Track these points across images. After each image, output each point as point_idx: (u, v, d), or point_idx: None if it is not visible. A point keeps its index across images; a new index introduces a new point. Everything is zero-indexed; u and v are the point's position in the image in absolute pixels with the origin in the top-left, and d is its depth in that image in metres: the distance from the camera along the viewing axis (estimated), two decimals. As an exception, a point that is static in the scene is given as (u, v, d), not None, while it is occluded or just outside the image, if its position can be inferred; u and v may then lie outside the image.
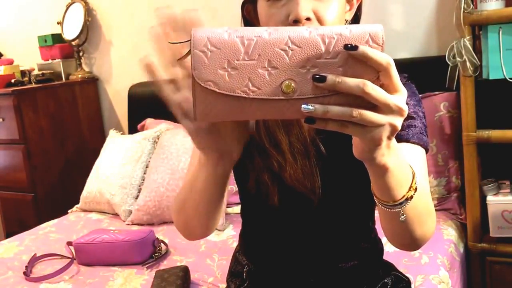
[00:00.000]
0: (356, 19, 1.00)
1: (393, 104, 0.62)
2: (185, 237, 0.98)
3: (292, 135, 0.96)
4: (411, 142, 0.92)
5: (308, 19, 0.85)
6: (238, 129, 0.77)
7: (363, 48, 0.60)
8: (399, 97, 0.63)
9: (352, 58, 0.61)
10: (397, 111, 0.63)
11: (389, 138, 0.65)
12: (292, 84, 0.61)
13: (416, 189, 0.74)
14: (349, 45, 0.60)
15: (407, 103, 0.93)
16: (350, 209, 1.00)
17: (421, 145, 0.93)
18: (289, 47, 0.61)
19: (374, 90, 0.61)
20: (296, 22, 0.85)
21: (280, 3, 0.87)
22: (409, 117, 0.94)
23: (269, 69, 0.61)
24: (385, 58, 0.62)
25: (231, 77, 0.61)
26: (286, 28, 0.62)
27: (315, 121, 0.62)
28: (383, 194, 0.73)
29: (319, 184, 0.95)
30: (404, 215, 0.75)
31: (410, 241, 0.83)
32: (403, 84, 0.98)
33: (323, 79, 0.61)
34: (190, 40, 0.62)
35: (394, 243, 0.87)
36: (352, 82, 0.60)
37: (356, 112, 0.60)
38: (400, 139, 0.91)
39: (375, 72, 0.61)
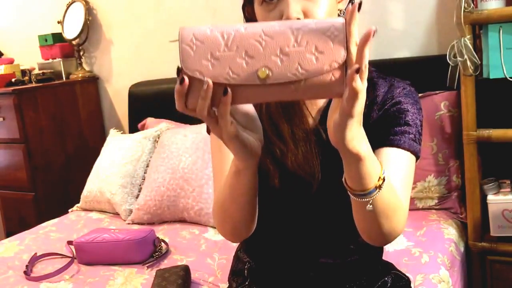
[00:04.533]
0: None
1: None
2: (233, 242, 1.05)
3: (294, 124, 1.01)
4: (401, 148, 0.96)
5: (298, 19, 0.89)
6: (254, 131, 0.82)
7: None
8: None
9: (318, 44, 0.69)
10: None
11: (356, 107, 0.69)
12: (267, 71, 0.69)
13: (384, 179, 0.80)
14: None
15: (407, 110, 0.99)
16: (349, 198, 1.02)
17: (411, 152, 0.97)
18: (262, 38, 0.69)
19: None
20: None
21: (271, 5, 0.92)
22: (405, 123, 0.98)
23: (246, 58, 0.69)
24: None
25: (214, 66, 0.69)
26: (260, 23, 0.72)
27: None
28: (355, 183, 0.79)
29: (318, 169, 0.99)
30: (372, 205, 0.81)
31: (377, 235, 0.88)
32: (404, 90, 1.02)
33: None
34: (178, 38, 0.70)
35: (363, 235, 0.92)
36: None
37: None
38: (391, 144, 0.96)
39: (340, 52, 0.69)
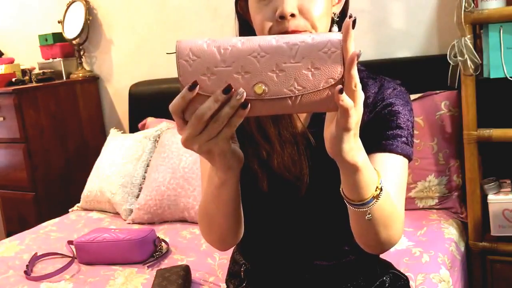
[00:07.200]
0: (343, 13, 1.01)
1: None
2: (221, 250, 1.04)
3: (281, 126, 1.00)
4: (394, 153, 0.96)
5: (292, 15, 0.89)
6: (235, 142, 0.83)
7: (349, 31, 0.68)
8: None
9: (314, 60, 0.69)
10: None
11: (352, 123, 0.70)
12: (263, 87, 0.69)
13: (381, 188, 0.80)
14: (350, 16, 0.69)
15: (399, 112, 0.99)
16: (340, 201, 1.02)
17: (403, 155, 0.97)
18: (258, 53, 0.69)
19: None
20: (282, 18, 0.89)
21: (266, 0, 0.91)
22: (397, 126, 0.98)
23: (243, 73, 0.69)
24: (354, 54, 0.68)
25: (211, 81, 0.70)
26: (257, 37, 0.71)
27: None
28: (353, 193, 0.79)
29: (306, 171, 0.98)
30: (370, 215, 0.81)
31: (375, 243, 0.88)
32: (395, 90, 1.01)
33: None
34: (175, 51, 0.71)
35: (361, 244, 0.91)
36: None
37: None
38: (384, 149, 0.96)
39: (337, 69, 0.69)
